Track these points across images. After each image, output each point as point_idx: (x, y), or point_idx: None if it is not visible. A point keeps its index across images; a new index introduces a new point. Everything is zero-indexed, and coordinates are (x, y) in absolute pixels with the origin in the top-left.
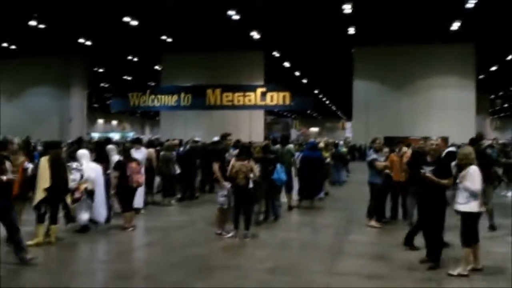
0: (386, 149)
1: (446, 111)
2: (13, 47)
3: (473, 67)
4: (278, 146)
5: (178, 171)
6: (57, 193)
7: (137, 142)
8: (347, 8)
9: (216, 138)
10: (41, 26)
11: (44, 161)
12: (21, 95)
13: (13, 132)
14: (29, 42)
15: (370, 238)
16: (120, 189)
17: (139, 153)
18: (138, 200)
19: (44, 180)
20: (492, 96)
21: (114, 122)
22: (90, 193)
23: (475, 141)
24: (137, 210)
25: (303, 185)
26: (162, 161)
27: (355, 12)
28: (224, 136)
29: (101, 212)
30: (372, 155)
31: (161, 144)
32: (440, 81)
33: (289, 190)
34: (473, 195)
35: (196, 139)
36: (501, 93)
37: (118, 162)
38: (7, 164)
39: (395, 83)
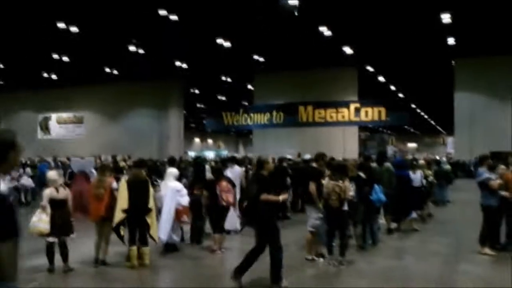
0: (502, 167)
1: None
2: (115, 72)
3: None
4: (374, 164)
5: None
6: (136, 214)
7: (229, 160)
8: (446, 18)
9: (308, 156)
10: (140, 51)
11: (123, 182)
12: (123, 117)
13: (116, 151)
14: (130, 66)
15: (485, 269)
16: (210, 209)
17: (232, 172)
18: (232, 221)
19: (122, 201)
20: None
21: (210, 141)
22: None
23: None
24: (229, 232)
25: (397, 208)
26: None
27: (454, 22)
28: (320, 156)
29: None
30: (484, 174)
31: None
32: None
33: (388, 212)
34: None
35: (288, 156)
36: None
37: (208, 181)
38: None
39: (500, 95)
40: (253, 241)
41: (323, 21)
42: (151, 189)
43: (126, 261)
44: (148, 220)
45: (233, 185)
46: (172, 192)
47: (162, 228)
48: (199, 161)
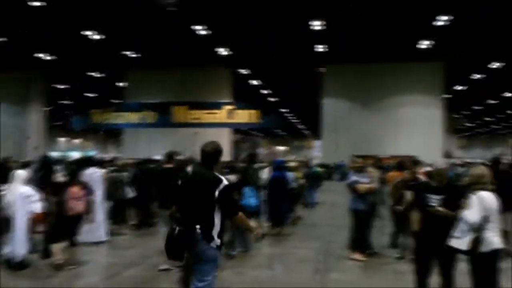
0: (370, 169)
1: (414, 130)
2: None
3: (441, 85)
4: (243, 165)
5: (131, 194)
6: None
7: (86, 161)
8: (316, 25)
9: (157, 157)
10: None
11: None
12: None
13: None
14: None
15: (354, 275)
16: (56, 217)
17: (89, 175)
18: (95, 231)
19: None
20: (458, 115)
21: (77, 141)
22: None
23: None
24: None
25: (273, 210)
26: (110, 183)
27: (325, 30)
28: (171, 156)
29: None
30: (352, 177)
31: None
32: (409, 99)
33: (258, 215)
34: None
35: (156, 157)
36: (467, 113)
37: (57, 185)
38: None
39: (364, 101)
40: (113, 252)
41: (200, 20)
42: None
43: None
44: None
45: (90, 190)
46: (21, 198)
47: (17, 242)
48: (47, 162)
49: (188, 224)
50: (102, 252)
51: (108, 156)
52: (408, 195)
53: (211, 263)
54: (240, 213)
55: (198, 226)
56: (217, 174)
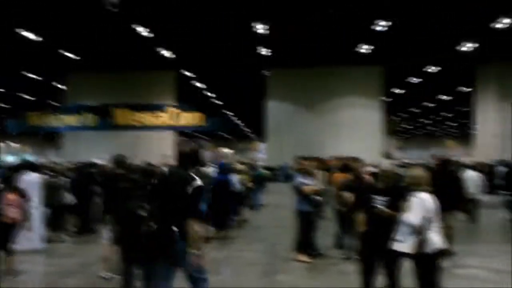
0: (315, 171)
1: (354, 131)
2: None
3: (381, 88)
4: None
5: (69, 200)
6: None
7: (24, 166)
8: (260, 29)
9: (98, 161)
10: None
11: None
12: None
13: None
14: None
15: (302, 278)
16: None
17: (27, 181)
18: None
19: None
20: (396, 118)
21: (13, 144)
22: None
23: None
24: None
25: (218, 214)
26: (47, 189)
27: (268, 34)
28: (120, 161)
29: None
30: (298, 179)
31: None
32: (349, 101)
33: (205, 219)
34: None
35: (97, 161)
36: (405, 115)
37: None
38: None
39: (307, 104)
40: (51, 261)
41: (142, 22)
42: None
43: None
44: None
45: (26, 197)
46: None
47: None
48: None
49: (164, 224)
50: (40, 260)
51: (46, 160)
52: (349, 196)
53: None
54: (193, 220)
55: (174, 227)
56: (191, 174)
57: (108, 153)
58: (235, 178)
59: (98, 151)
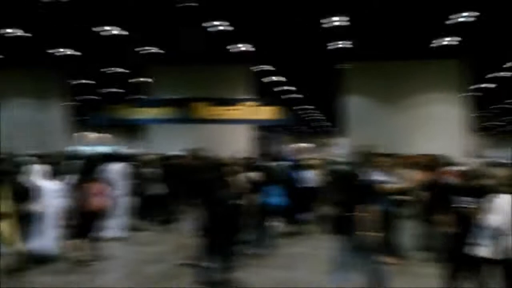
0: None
1: (436, 128)
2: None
3: (466, 83)
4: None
5: (159, 190)
6: None
7: (109, 157)
8: (336, 21)
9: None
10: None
11: None
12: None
13: None
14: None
15: None
16: (77, 213)
17: (111, 171)
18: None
19: None
20: (481, 114)
21: (99, 135)
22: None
23: None
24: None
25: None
26: (136, 179)
27: (347, 26)
28: (196, 153)
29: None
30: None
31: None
32: (430, 97)
33: (283, 214)
34: None
35: (179, 153)
36: (496, 111)
37: (74, 182)
38: None
39: (385, 98)
40: (135, 249)
41: (222, 16)
42: None
43: None
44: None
45: (111, 186)
46: (49, 192)
47: (44, 236)
48: (90, 158)
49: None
50: (124, 248)
51: (134, 151)
52: (426, 195)
53: None
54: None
55: None
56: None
57: (191, 146)
58: (310, 174)
59: (181, 144)
